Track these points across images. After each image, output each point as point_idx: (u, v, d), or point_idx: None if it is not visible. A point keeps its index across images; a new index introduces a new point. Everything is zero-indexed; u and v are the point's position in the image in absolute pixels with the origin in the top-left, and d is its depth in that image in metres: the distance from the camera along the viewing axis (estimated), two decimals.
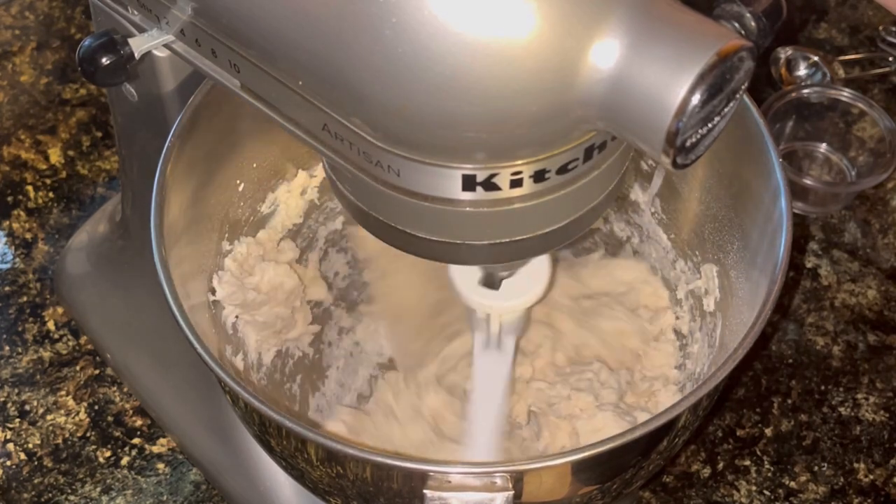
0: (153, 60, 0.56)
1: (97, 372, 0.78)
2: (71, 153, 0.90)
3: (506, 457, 0.70)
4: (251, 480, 0.70)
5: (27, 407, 0.76)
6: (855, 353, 0.78)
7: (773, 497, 0.72)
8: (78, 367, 0.78)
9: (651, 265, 0.72)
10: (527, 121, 0.39)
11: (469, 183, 0.42)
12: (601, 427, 0.66)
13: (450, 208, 0.43)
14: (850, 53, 0.94)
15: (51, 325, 0.80)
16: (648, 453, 0.54)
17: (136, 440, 0.75)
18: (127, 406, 0.76)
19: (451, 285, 0.58)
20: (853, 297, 0.81)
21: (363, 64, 0.39)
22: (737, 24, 0.48)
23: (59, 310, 0.81)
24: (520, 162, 0.41)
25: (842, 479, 0.73)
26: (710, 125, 0.39)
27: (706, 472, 0.73)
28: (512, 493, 0.47)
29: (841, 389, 0.77)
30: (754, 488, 0.72)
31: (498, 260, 0.48)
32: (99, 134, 0.91)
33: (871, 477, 0.73)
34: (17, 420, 0.75)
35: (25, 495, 0.72)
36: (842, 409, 0.76)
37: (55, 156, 0.89)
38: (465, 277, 0.58)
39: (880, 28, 0.95)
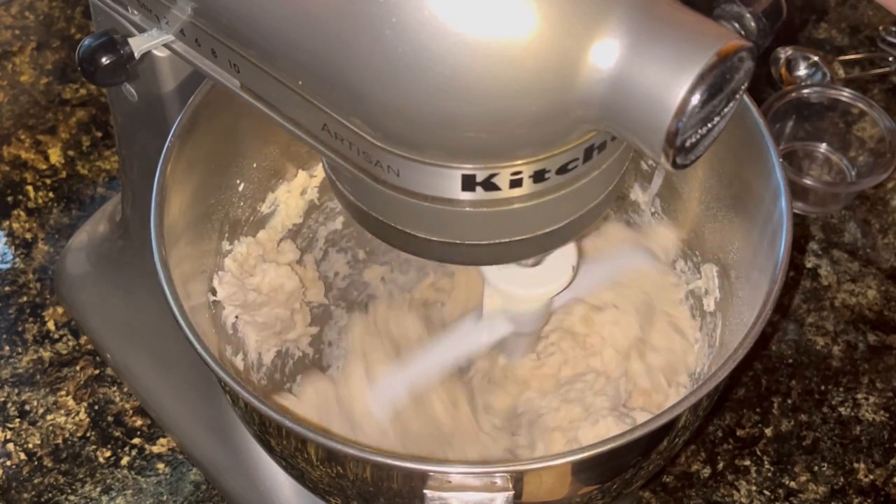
0: (153, 60, 0.56)
1: (97, 372, 0.78)
2: (71, 153, 0.90)
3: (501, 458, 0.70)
4: (251, 480, 0.70)
5: (27, 407, 0.76)
6: (855, 353, 0.78)
7: (773, 497, 0.72)
8: (78, 367, 0.78)
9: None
10: (527, 121, 0.39)
11: (469, 183, 0.42)
12: (603, 435, 0.66)
13: (449, 208, 0.43)
14: (850, 53, 0.94)
15: (51, 325, 0.80)
16: (648, 453, 0.54)
17: (136, 440, 0.75)
18: (127, 406, 0.76)
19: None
20: (853, 297, 0.81)
21: (363, 64, 0.39)
22: (737, 25, 0.48)
23: (59, 310, 0.81)
24: (519, 162, 0.41)
25: (842, 479, 0.73)
26: (709, 125, 0.39)
27: (706, 472, 0.73)
28: (512, 493, 0.47)
29: (841, 389, 0.77)
30: (754, 488, 0.72)
31: (498, 260, 0.48)
32: (99, 134, 0.91)
33: (871, 477, 0.73)
34: (17, 420, 0.75)
35: (25, 495, 0.72)
36: (842, 409, 0.76)
37: (55, 156, 0.89)
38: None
39: (880, 28, 0.95)
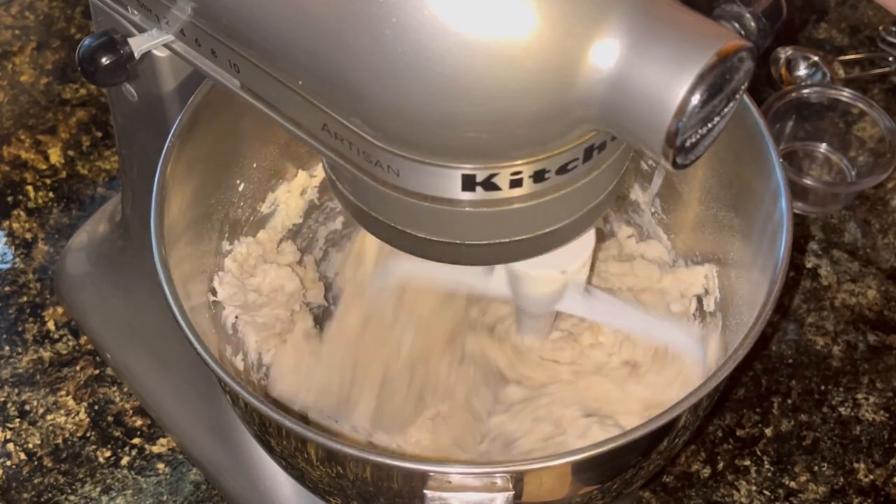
0: (153, 60, 0.56)
1: (97, 372, 0.78)
2: (71, 153, 0.90)
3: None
4: (251, 480, 0.70)
5: (27, 407, 0.76)
6: (855, 353, 0.78)
7: (773, 497, 0.72)
8: (78, 367, 0.78)
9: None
10: (527, 121, 0.39)
11: (469, 183, 0.42)
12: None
13: (449, 208, 0.43)
14: (850, 53, 0.94)
15: (51, 325, 0.80)
16: (648, 453, 0.54)
17: (136, 440, 0.75)
18: (127, 406, 0.76)
19: None
20: (853, 297, 0.81)
21: (363, 64, 0.39)
22: (737, 25, 0.48)
23: (59, 310, 0.81)
24: (519, 162, 0.41)
25: (842, 479, 0.73)
26: (709, 125, 0.39)
27: (706, 472, 0.73)
28: (512, 493, 0.47)
29: (841, 389, 0.77)
30: (754, 488, 0.72)
31: (498, 260, 0.48)
32: (99, 134, 0.91)
33: (871, 477, 0.73)
34: (17, 420, 0.75)
35: (25, 495, 0.72)
36: (842, 409, 0.76)
37: (55, 156, 0.89)
38: None
39: (880, 28, 0.95)
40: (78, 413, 0.76)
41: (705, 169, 0.62)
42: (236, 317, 0.65)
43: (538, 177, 0.42)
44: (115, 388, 0.77)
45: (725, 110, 0.40)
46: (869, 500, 0.72)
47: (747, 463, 0.73)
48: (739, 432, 0.75)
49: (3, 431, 0.75)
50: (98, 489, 0.72)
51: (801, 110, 0.87)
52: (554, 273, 0.60)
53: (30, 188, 0.87)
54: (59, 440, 0.74)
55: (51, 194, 0.87)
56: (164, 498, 0.72)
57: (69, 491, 0.72)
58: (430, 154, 0.41)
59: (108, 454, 0.74)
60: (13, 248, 0.84)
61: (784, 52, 0.91)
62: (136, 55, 0.52)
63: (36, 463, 0.73)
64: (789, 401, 0.76)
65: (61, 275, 0.80)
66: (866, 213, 0.85)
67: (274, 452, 0.56)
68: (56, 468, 0.73)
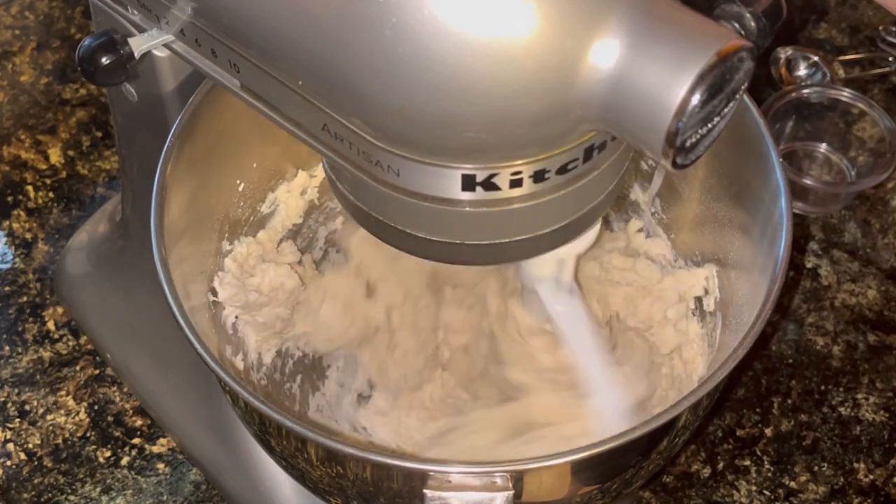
0: (153, 60, 0.56)
1: (97, 372, 0.78)
2: (71, 153, 0.90)
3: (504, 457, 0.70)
4: (251, 480, 0.70)
5: (27, 407, 0.76)
6: (855, 353, 0.78)
7: (773, 497, 0.72)
8: (78, 367, 0.78)
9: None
10: (527, 121, 0.39)
11: (469, 183, 0.42)
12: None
13: (449, 208, 0.43)
14: (850, 53, 0.94)
15: (51, 325, 0.80)
16: (648, 453, 0.54)
17: (136, 440, 0.75)
18: (127, 406, 0.76)
19: None
20: (853, 297, 0.81)
21: (363, 64, 0.39)
22: (737, 25, 0.48)
23: (59, 310, 0.81)
24: (519, 162, 0.41)
25: (842, 479, 0.73)
26: (709, 125, 0.39)
27: (706, 472, 0.73)
28: (512, 492, 0.47)
29: (841, 389, 0.77)
30: (754, 488, 0.72)
31: (498, 260, 0.48)
32: (99, 134, 0.91)
33: (871, 477, 0.73)
34: (17, 420, 0.75)
35: (25, 495, 0.72)
36: (842, 409, 0.76)
37: (55, 156, 0.89)
38: None
39: (880, 28, 0.95)
40: (78, 413, 0.76)
41: (705, 169, 0.62)
42: (236, 317, 0.65)
43: (538, 177, 0.42)
44: (115, 388, 0.77)
45: (725, 110, 0.40)
46: (869, 500, 0.72)
47: (747, 463, 0.73)
48: (739, 432, 0.75)
49: (3, 431, 0.75)
50: (98, 489, 0.72)
51: (801, 110, 0.87)
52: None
53: (30, 188, 0.87)
54: (59, 440, 0.74)
55: (51, 194, 0.87)
56: (164, 498, 0.72)
57: (69, 491, 0.72)
58: (430, 154, 0.41)
59: (108, 454, 0.74)
60: (13, 248, 0.84)
61: (784, 52, 0.91)
62: (136, 55, 0.52)
63: (36, 463, 0.73)
64: (789, 401, 0.76)
65: (61, 275, 0.80)
66: (866, 213, 0.85)
67: (274, 452, 0.56)
68: (56, 468, 0.73)
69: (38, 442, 0.74)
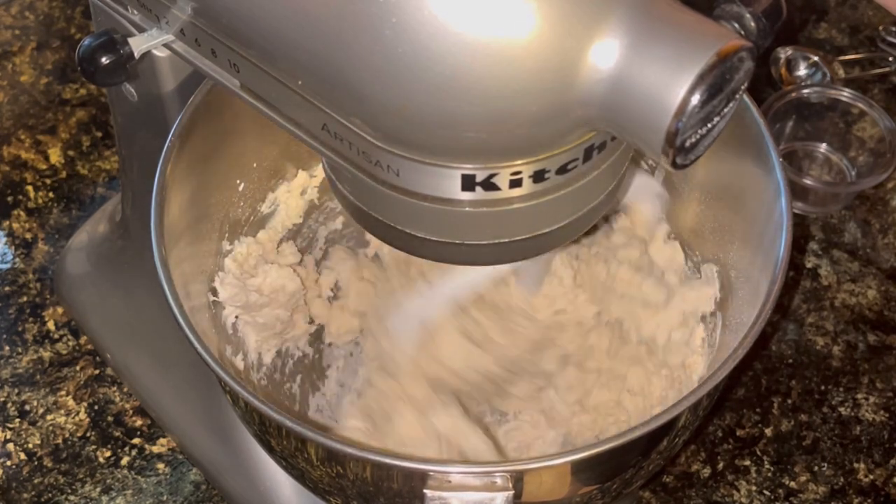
0: (153, 60, 0.56)
1: (97, 372, 0.78)
2: (71, 153, 0.90)
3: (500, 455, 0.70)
4: (251, 480, 0.70)
5: (27, 407, 0.76)
6: (855, 353, 0.78)
7: (773, 497, 0.72)
8: (78, 367, 0.78)
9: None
10: (527, 121, 0.39)
11: (468, 183, 0.42)
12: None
13: (449, 208, 0.43)
14: (850, 53, 0.94)
15: (51, 325, 0.80)
16: (648, 453, 0.54)
17: (136, 440, 0.75)
18: (127, 406, 0.76)
19: None
20: (853, 297, 0.81)
21: (363, 64, 0.39)
22: (737, 25, 0.48)
23: (59, 310, 0.81)
24: (519, 162, 0.41)
25: (842, 479, 0.73)
26: (709, 125, 0.39)
27: (706, 472, 0.73)
28: (512, 492, 0.47)
29: (841, 389, 0.77)
30: (754, 488, 0.72)
31: (498, 260, 0.48)
32: (99, 134, 0.91)
33: (871, 477, 0.73)
34: (17, 420, 0.75)
35: (25, 495, 0.72)
36: (842, 409, 0.76)
37: (55, 156, 0.89)
38: None
39: (880, 28, 0.95)
40: (78, 413, 0.76)
41: (705, 169, 0.62)
42: (236, 317, 0.65)
43: (538, 177, 0.42)
44: (115, 388, 0.77)
45: (725, 110, 0.40)
46: (869, 500, 0.72)
47: (747, 463, 0.73)
48: (739, 432, 0.75)
49: (3, 431, 0.75)
50: (98, 489, 0.72)
51: (801, 110, 0.87)
52: None
53: (30, 188, 0.87)
54: (59, 440, 0.74)
55: (51, 194, 0.87)
56: (164, 498, 0.72)
57: (69, 491, 0.72)
58: (430, 154, 0.41)
59: (108, 454, 0.74)
60: (13, 248, 0.84)
61: (784, 52, 0.91)
62: (136, 55, 0.52)
63: (36, 463, 0.73)
64: (789, 401, 0.76)
65: (61, 275, 0.80)
66: (866, 213, 0.85)
67: (274, 452, 0.56)
68: (56, 468, 0.73)
69: (38, 442, 0.74)
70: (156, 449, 0.74)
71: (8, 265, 0.83)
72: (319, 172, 0.69)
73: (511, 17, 0.37)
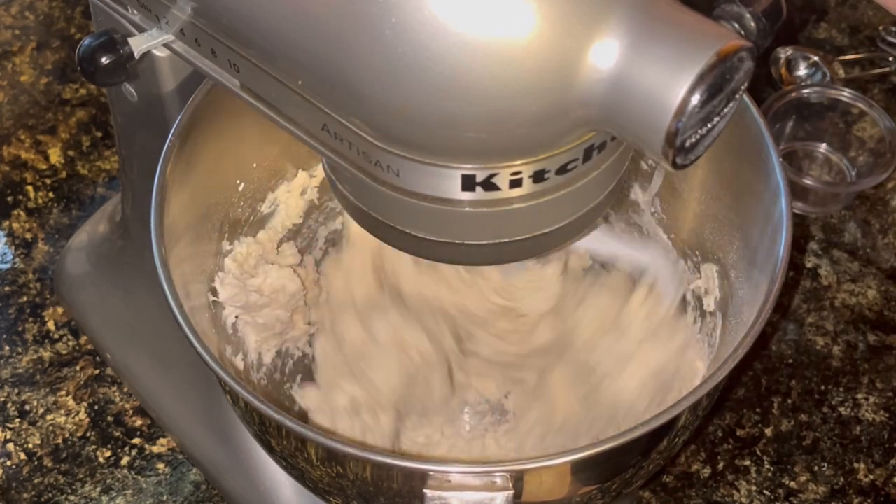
0: (153, 60, 0.56)
1: (97, 372, 0.78)
2: (71, 153, 0.90)
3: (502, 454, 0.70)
4: (251, 480, 0.70)
5: (27, 407, 0.76)
6: (855, 353, 0.78)
7: (773, 497, 0.72)
8: (78, 367, 0.78)
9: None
10: (527, 121, 0.39)
11: (468, 183, 0.42)
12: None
13: (449, 208, 0.43)
14: (850, 53, 0.94)
15: (51, 325, 0.80)
16: (648, 453, 0.54)
17: (136, 440, 0.75)
18: (127, 406, 0.76)
19: None
20: (853, 297, 0.81)
21: (363, 64, 0.39)
22: (737, 25, 0.48)
23: (59, 310, 0.81)
24: (519, 162, 0.41)
25: (842, 479, 0.73)
26: (709, 125, 0.39)
27: (706, 472, 0.73)
28: (512, 492, 0.47)
29: (841, 389, 0.77)
30: (754, 488, 0.72)
31: (498, 260, 0.48)
32: (99, 134, 0.91)
33: (871, 477, 0.73)
34: (17, 420, 0.75)
35: (25, 495, 0.72)
36: (842, 409, 0.76)
37: (55, 156, 0.89)
38: None
39: (880, 28, 0.95)
40: (78, 413, 0.76)
41: (705, 169, 0.62)
42: (236, 317, 0.65)
43: (538, 177, 0.42)
44: (115, 388, 0.77)
45: (725, 110, 0.40)
46: (869, 500, 0.72)
47: (747, 463, 0.73)
48: (739, 432, 0.75)
49: (3, 431, 0.75)
50: (98, 489, 0.72)
51: (801, 110, 0.87)
52: None
53: (30, 188, 0.87)
54: (59, 440, 0.74)
55: (51, 194, 0.87)
56: (164, 498, 0.72)
57: (69, 491, 0.72)
58: (430, 154, 0.41)
59: (108, 454, 0.74)
60: (13, 248, 0.84)
61: (784, 52, 0.91)
62: (136, 55, 0.52)
63: (36, 463, 0.73)
64: (789, 401, 0.76)
65: (61, 275, 0.80)
66: (866, 213, 0.85)
67: (274, 452, 0.56)
68: (56, 468, 0.73)
69: (38, 442, 0.74)
70: (156, 449, 0.74)
71: (8, 265, 0.83)
72: (319, 172, 0.69)
73: (511, 17, 0.37)
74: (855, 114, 0.86)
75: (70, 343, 0.79)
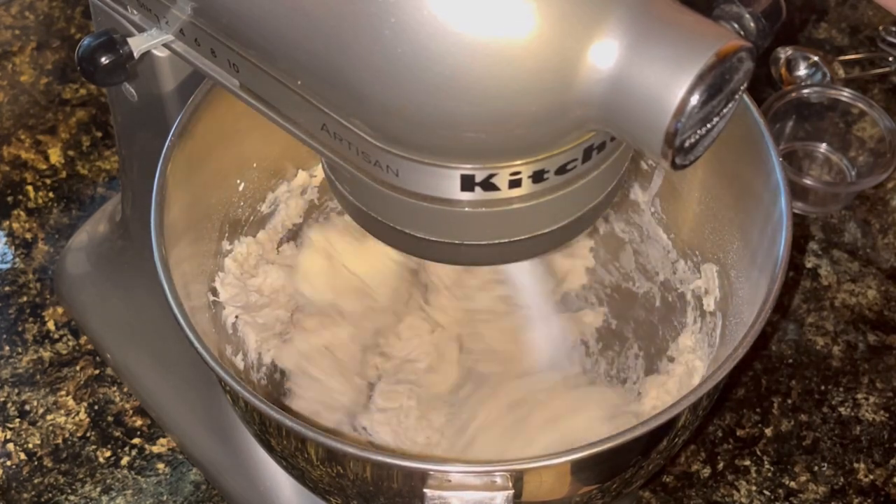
0: (153, 60, 0.56)
1: (97, 372, 0.78)
2: (71, 153, 0.90)
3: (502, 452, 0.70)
4: (251, 480, 0.70)
5: (27, 407, 0.76)
6: (855, 353, 0.78)
7: (773, 497, 0.72)
8: (78, 367, 0.78)
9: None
10: (526, 121, 0.39)
11: (468, 183, 0.42)
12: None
13: (448, 208, 0.43)
14: (850, 53, 0.94)
15: (51, 325, 0.80)
16: (648, 453, 0.54)
17: (136, 440, 0.75)
18: (127, 406, 0.76)
19: None
20: (853, 297, 0.81)
21: (363, 64, 0.39)
22: (736, 25, 0.48)
23: (59, 310, 0.81)
24: (519, 162, 0.41)
25: (842, 479, 0.73)
26: (709, 126, 0.39)
27: (706, 472, 0.73)
28: (512, 492, 0.47)
29: (841, 389, 0.77)
30: (754, 488, 0.72)
31: (497, 261, 0.48)
32: (99, 134, 0.91)
33: (871, 477, 0.73)
34: (17, 420, 0.75)
35: (25, 495, 0.72)
36: (842, 409, 0.76)
37: (55, 156, 0.89)
38: None
39: (880, 28, 0.95)
40: (78, 413, 0.76)
41: (705, 169, 0.62)
42: (236, 317, 0.65)
43: (537, 177, 0.42)
44: (115, 388, 0.77)
45: (725, 110, 0.40)
46: (869, 500, 0.72)
47: (747, 463, 0.73)
48: (739, 432, 0.75)
49: (3, 431, 0.75)
50: (98, 489, 0.72)
51: (801, 110, 0.87)
52: None
53: (30, 188, 0.87)
54: (59, 440, 0.74)
55: (51, 194, 0.87)
56: (164, 498, 0.72)
57: (69, 491, 0.72)
58: (430, 154, 0.41)
59: (108, 454, 0.74)
60: (13, 248, 0.84)
61: (784, 52, 0.91)
62: (136, 55, 0.52)
63: (36, 463, 0.73)
64: (789, 401, 0.76)
65: (61, 275, 0.80)
66: (866, 213, 0.85)
67: (274, 452, 0.56)
68: (56, 468, 0.73)
69: (38, 442, 0.74)
70: (156, 449, 0.74)
71: (8, 265, 0.83)
72: (319, 172, 0.69)
73: (511, 17, 0.37)
74: (855, 114, 0.86)
75: (70, 343, 0.79)
